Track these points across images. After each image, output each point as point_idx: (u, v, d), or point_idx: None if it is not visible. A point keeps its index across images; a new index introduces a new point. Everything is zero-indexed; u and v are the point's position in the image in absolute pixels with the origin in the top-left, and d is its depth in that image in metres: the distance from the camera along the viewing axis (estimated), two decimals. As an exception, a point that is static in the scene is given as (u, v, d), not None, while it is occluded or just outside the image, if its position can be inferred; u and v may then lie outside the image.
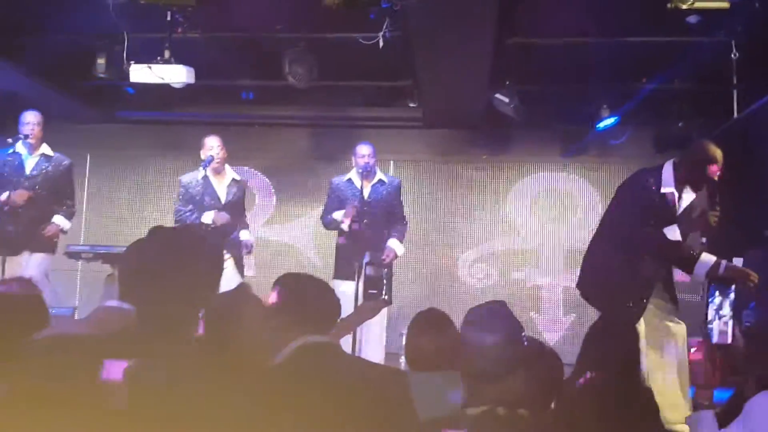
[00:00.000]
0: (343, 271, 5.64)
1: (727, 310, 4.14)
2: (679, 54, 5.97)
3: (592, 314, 4.40)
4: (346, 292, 5.17)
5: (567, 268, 7.62)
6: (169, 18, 5.90)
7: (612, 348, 2.87)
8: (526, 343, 2.08)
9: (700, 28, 5.55)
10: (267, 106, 8.04)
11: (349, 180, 5.86)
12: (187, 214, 5.67)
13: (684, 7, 5.10)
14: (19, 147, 5.76)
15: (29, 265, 5.65)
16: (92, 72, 6.46)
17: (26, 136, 5.71)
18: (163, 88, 6.37)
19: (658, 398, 2.48)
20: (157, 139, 8.31)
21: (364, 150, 5.78)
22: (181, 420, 1.66)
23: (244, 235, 5.89)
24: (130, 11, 5.74)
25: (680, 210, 4.41)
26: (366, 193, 5.74)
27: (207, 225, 5.54)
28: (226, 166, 5.86)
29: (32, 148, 5.79)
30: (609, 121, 7.20)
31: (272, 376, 2.11)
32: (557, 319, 7.74)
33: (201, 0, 5.71)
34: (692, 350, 4.70)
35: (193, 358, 1.79)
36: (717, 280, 4.24)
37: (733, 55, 6.03)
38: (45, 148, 5.87)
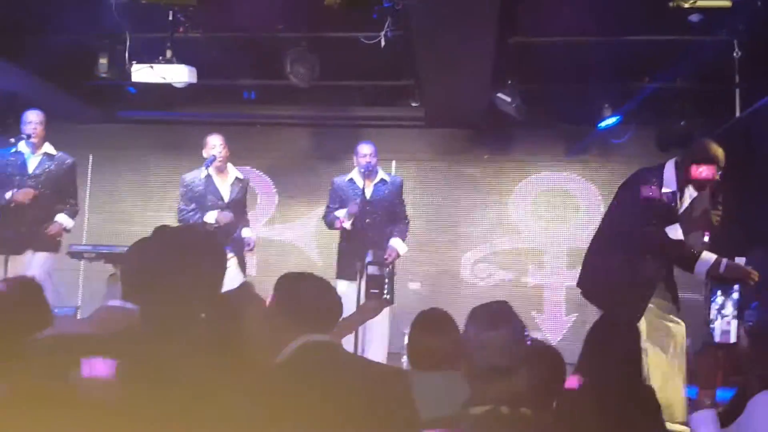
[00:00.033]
0: (345, 271, 5.65)
1: (729, 310, 4.14)
2: (681, 53, 5.96)
3: (595, 314, 4.39)
4: (348, 291, 5.18)
5: (569, 267, 7.61)
6: (170, 18, 5.91)
7: (613, 347, 2.86)
8: (529, 342, 2.08)
9: (702, 26, 5.55)
10: (269, 106, 8.04)
11: (351, 180, 5.86)
12: (190, 213, 5.67)
13: (686, 5, 5.09)
14: (22, 146, 5.77)
15: (33, 264, 5.67)
16: (94, 72, 6.47)
17: (29, 136, 5.72)
18: (165, 88, 6.38)
19: (655, 397, 2.48)
20: (159, 138, 8.31)
21: (365, 149, 5.78)
22: (182, 419, 1.66)
23: (245, 233, 5.90)
24: (132, 11, 5.75)
25: (682, 209, 4.41)
26: (368, 193, 5.74)
27: (210, 225, 5.55)
28: (229, 164, 5.87)
29: (35, 147, 5.80)
30: (611, 121, 7.19)
31: (274, 375, 2.12)
32: (559, 319, 7.73)
33: (202, 0, 5.71)
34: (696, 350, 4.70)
35: (195, 356, 1.79)
36: (718, 279, 4.24)
37: (735, 54, 6.02)
38: (48, 147, 5.87)
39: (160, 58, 5.99)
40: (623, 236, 4.45)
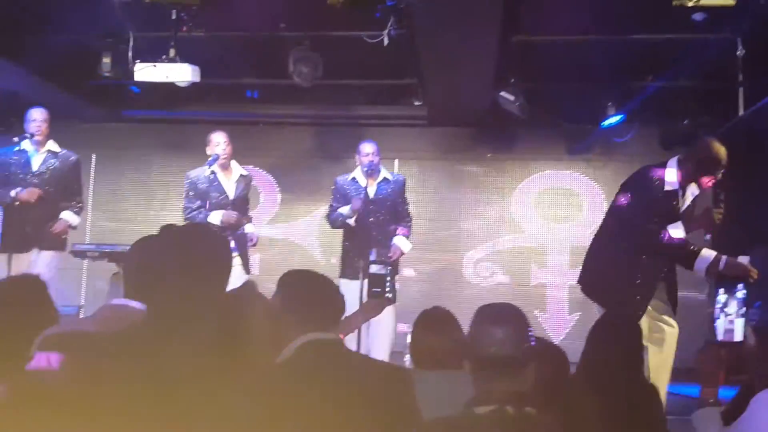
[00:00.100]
0: (348, 270, 5.65)
1: (733, 308, 4.13)
2: (685, 51, 5.96)
3: (597, 313, 4.40)
4: (351, 290, 5.18)
5: (572, 266, 7.61)
6: (174, 17, 5.91)
7: (616, 345, 2.86)
8: (533, 342, 2.08)
9: (706, 25, 5.54)
10: (271, 105, 8.05)
11: (354, 179, 5.86)
12: (195, 212, 5.68)
13: (689, 4, 5.08)
14: (26, 144, 5.77)
15: (39, 262, 5.66)
16: (98, 71, 6.48)
17: (32, 134, 5.73)
18: (168, 87, 6.39)
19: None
20: (162, 137, 8.33)
21: (367, 148, 5.78)
22: (186, 418, 1.67)
23: (248, 228, 5.92)
24: (135, 10, 5.76)
25: (684, 207, 4.41)
26: (371, 192, 5.74)
27: (215, 226, 5.55)
28: (233, 161, 5.88)
29: (39, 145, 5.80)
30: (614, 119, 7.19)
31: (277, 373, 2.12)
32: (562, 318, 7.73)
33: (205, -1, 5.73)
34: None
35: (199, 355, 1.79)
36: (717, 276, 4.24)
37: (738, 53, 6.01)
38: (51, 145, 5.87)
39: (164, 57, 5.99)
40: (625, 234, 4.45)
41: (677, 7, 5.14)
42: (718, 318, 4.16)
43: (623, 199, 4.60)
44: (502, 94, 6.66)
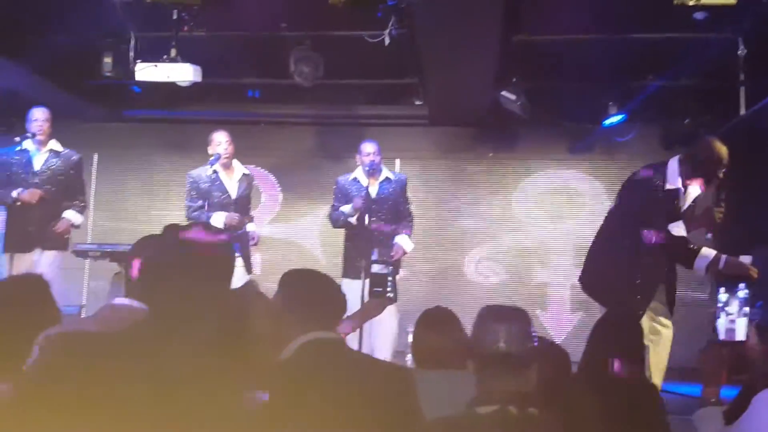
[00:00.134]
0: (350, 270, 5.65)
1: (734, 308, 4.13)
2: (686, 51, 5.95)
3: (599, 312, 4.40)
4: (353, 290, 5.18)
5: (574, 265, 7.59)
6: (175, 17, 5.92)
7: (617, 344, 2.86)
8: (536, 341, 2.08)
9: (707, 24, 5.54)
10: (273, 105, 8.05)
11: (355, 179, 5.86)
12: (198, 212, 5.68)
13: (690, 3, 5.08)
14: (27, 144, 5.77)
15: (41, 262, 5.66)
16: (99, 71, 6.48)
17: (34, 134, 5.73)
18: (170, 87, 6.39)
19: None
20: (164, 137, 8.33)
21: (368, 148, 5.78)
22: (187, 417, 1.67)
23: (249, 227, 5.93)
24: (137, 10, 5.77)
25: (685, 206, 4.41)
26: (373, 192, 5.74)
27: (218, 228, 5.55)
28: (235, 160, 5.88)
29: (41, 145, 5.80)
30: (615, 119, 7.18)
31: (278, 372, 2.12)
32: (564, 317, 7.73)
33: (207, -1, 5.73)
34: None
35: (201, 354, 1.80)
36: (717, 275, 4.24)
37: (739, 52, 6.01)
38: (54, 144, 5.87)
39: (165, 57, 6.00)
40: (626, 233, 4.45)
41: (678, 7, 5.14)
42: (719, 317, 4.15)
43: (624, 199, 4.60)
44: (504, 93, 6.66)
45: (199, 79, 6.08)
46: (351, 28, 6.02)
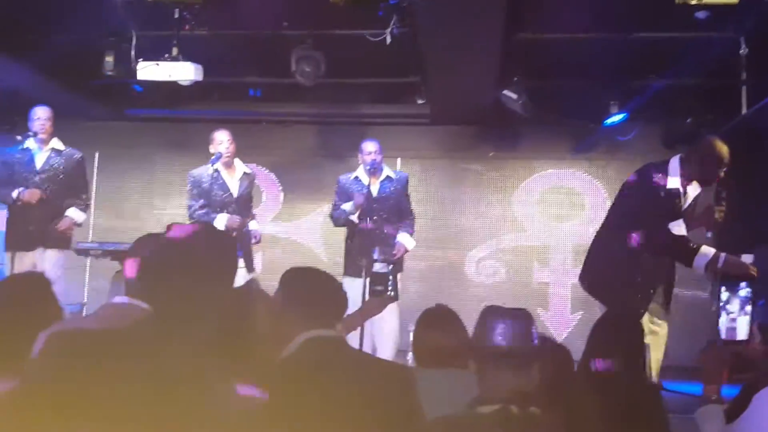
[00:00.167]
0: (351, 268, 5.66)
1: (735, 306, 4.13)
2: (688, 50, 5.94)
3: (600, 311, 4.40)
4: (355, 288, 5.18)
5: (575, 265, 7.59)
6: (176, 15, 5.92)
7: (617, 343, 2.86)
8: (537, 340, 2.08)
9: (709, 23, 5.53)
10: (274, 103, 8.05)
11: (357, 178, 5.86)
12: (201, 212, 5.68)
13: (692, 2, 5.07)
14: (29, 143, 5.78)
15: (44, 261, 5.66)
16: (100, 70, 6.48)
17: (36, 133, 5.74)
18: (171, 86, 6.39)
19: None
20: (165, 136, 8.33)
21: (370, 147, 5.78)
22: (187, 416, 1.67)
23: (252, 225, 5.93)
24: (138, 9, 5.76)
25: (686, 205, 4.40)
26: (374, 191, 5.74)
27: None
28: (236, 159, 5.89)
29: (43, 143, 5.81)
30: (617, 118, 7.18)
31: (279, 370, 2.12)
32: (565, 316, 7.73)
33: (208, -3, 5.73)
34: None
35: (202, 354, 1.80)
36: (717, 274, 4.24)
37: (741, 51, 6.00)
38: (56, 143, 5.88)
39: (166, 55, 6.00)
40: (627, 232, 4.45)
41: (680, 6, 5.13)
42: (721, 316, 4.15)
43: (625, 198, 4.60)
44: (505, 92, 6.66)
45: (200, 78, 6.09)
46: (352, 27, 6.02)
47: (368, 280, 3.83)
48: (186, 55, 6.01)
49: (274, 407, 1.89)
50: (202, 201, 5.71)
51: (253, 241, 5.89)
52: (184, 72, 5.99)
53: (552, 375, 2.43)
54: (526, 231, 7.98)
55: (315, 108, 7.90)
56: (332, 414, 2.03)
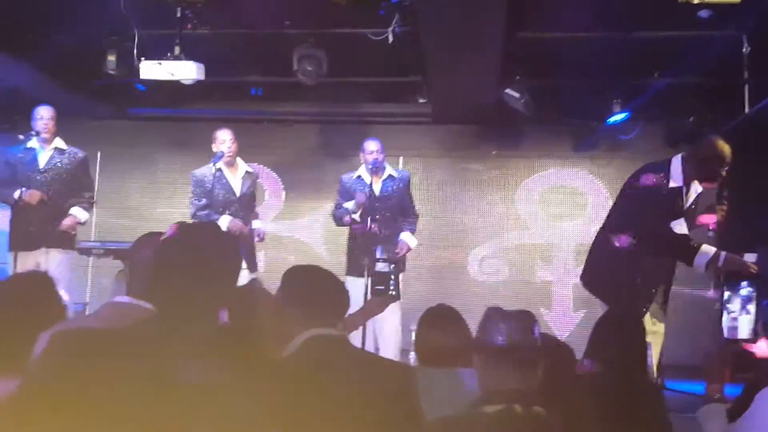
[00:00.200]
0: (354, 268, 5.66)
1: (737, 306, 4.13)
2: (690, 49, 5.94)
3: (603, 310, 4.40)
4: (357, 288, 5.18)
5: (577, 263, 7.58)
6: (178, 14, 5.92)
7: (619, 341, 2.86)
8: (539, 339, 2.08)
9: (711, 22, 5.52)
10: (276, 102, 8.05)
11: (359, 177, 5.86)
12: (204, 212, 5.69)
13: (695, 1, 5.07)
14: (32, 142, 5.78)
15: (49, 261, 5.65)
16: (103, 69, 6.48)
17: (39, 132, 5.74)
18: (174, 85, 6.39)
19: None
20: (167, 135, 8.34)
21: (372, 146, 5.78)
22: (188, 416, 1.67)
23: (255, 224, 5.93)
24: (140, 8, 5.77)
25: (687, 204, 4.40)
26: (376, 190, 5.75)
27: None
28: (238, 158, 5.89)
29: (46, 143, 5.81)
30: (619, 117, 7.17)
31: (280, 369, 2.12)
32: (567, 315, 7.72)
33: (210, -3, 5.74)
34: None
35: (204, 353, 1.80)
36: (718, 273, 4.24)
37: (744, 50, 5.99)
38: (58, 142, 5.88)
39: (169, 55, 6.00)
40: (629, 231, 4.45)
41: (683, 5, 5.13)
42: (723, 316, 4.15)
43: (627, 197, 4.60)
44: (507, 91, 6.66)
45: (202, 77, 6.09)
46: (354, 25, 6.02)
47: (370, 279, 3.84)
48: (188, 54, 6.01)
49: (276, 406, 1.89)
50: (204, 201, 5.72)
51: (257, 239, 5.89)
52: (187, 71, 5.99)
53: (555, 374, 2.43)
54: (529, 229, 7.98)
55: (317, 107, 7.89)
56: (334, 412, 2.03)
